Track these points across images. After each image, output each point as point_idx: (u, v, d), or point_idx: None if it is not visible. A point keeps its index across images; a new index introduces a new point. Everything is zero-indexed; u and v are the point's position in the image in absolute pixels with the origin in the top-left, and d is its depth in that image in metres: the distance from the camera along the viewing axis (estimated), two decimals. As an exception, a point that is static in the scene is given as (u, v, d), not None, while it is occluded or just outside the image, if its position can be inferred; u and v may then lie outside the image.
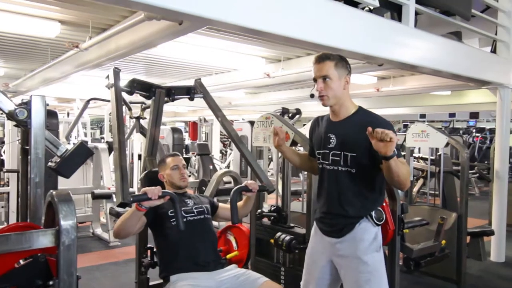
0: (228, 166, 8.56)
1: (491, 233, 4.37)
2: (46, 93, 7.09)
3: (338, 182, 1.85)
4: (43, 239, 1.52)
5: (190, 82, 2.68)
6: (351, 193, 1.83)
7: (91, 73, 6.42)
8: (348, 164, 1.81)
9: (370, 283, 1.78)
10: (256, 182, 2.22)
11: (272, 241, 2.61)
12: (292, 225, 2.74)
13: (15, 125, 2.25)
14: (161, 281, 2.65)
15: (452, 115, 14.26)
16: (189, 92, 2.58)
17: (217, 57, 5.23)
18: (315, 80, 1.85)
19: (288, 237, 2.45)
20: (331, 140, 1.87)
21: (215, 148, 9.98)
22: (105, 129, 6.68)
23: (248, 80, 5.71)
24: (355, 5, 3.10)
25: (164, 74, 7.50)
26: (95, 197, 4.77)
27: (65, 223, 1.53)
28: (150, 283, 2.59)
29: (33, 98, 2.06)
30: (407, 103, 7.07)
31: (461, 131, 13.16)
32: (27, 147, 2.26)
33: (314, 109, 9.98)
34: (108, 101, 5.93)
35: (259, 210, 2.87)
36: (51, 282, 1.53)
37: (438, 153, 5.11)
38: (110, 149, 5.26)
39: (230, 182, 5.16)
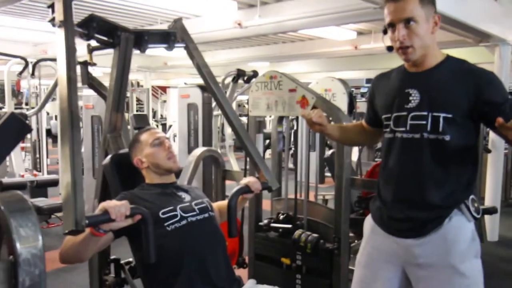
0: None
1: (495, 211, 4.42)
2: None
3: (420, 155, 1.56)
4: (-11, 280, 1.03)
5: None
6: (439, 171, 1.55)
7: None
8: (439, 130, 1.52)
9: None
10: (257, 180, 1.88)
11: (285, 260, 2.36)
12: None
13: None
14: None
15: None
16: (167, 39, 2.10)
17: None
18: (391, 25, 1.53)
19: (311, 237, 2.14)
20: (411, 98, 1.58)
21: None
22: (6, 97, 5.76)
23: (211, 31, 5.11)
24: None
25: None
26: (4, 188, 4.43)
27: (25, 249, 1.06)
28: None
29: None
30: (384, 63, 6.97)
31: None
32: None
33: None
34: (13, 56, 5.09)
35: (265, 221, 2.57)
36: None
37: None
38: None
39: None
